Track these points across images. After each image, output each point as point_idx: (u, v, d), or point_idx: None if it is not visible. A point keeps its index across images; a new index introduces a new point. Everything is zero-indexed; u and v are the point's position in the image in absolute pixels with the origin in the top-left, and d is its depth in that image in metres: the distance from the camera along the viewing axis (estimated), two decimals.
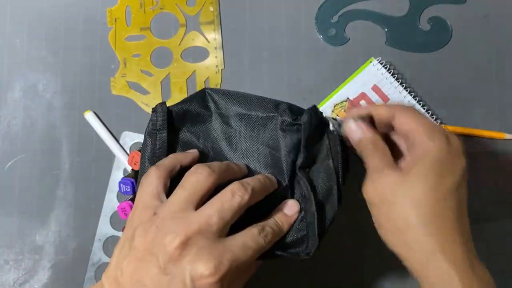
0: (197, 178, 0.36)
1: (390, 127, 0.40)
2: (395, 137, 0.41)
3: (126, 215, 0.42)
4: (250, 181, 0.38)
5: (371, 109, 0.40)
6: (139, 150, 0.42)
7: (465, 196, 0.37)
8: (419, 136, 0.37)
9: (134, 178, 0.42)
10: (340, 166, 0.41)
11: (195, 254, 0.33)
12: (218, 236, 0.34)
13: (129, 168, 0.54)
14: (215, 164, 0.38)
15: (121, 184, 0.42)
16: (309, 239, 0.39)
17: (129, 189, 0.42)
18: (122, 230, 0.42)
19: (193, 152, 0.41)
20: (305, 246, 0.40)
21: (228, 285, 0.34)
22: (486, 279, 0.35)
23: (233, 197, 0.36)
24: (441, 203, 0.35)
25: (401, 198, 0.35)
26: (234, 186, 0.36)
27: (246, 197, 0.36)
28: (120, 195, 0.55)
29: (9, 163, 0.55)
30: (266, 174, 0.41)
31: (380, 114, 0.39)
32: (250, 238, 0.35)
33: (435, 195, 0.35)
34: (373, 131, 0.39)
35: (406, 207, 0.35)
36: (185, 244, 0.33)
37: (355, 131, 0.39)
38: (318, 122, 0.42)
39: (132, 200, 0.42)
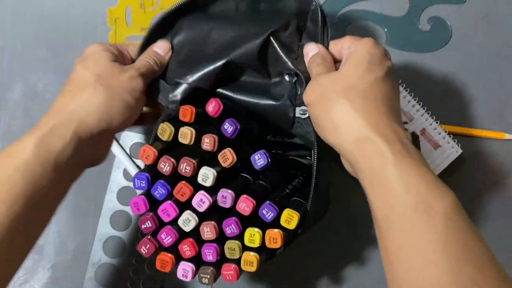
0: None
1: None
2: None
3: (138, 210, 0.41)
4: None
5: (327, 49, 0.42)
6: (150, 144, 0.42)
7: (395, 89, 0.39)
8: (349, 44, 0.40)
9: (148, 173, 0.42)
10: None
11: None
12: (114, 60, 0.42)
13: (130, 169, 0.54)
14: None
15: (136, 179, 0.42)
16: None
17: (144, 184, 0.41)
18: (140, 226, 0.42)
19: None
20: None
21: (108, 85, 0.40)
22: (416, 152, 0.35)
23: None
24: (371, 87, 0.36)
25: (336, 91, 0.37)
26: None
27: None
28: (120, 195, 0.55)
29: None
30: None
31: (334, 51, 0.42)
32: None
33: (364, 81, 0.37)
34: (327, 50, 0.42)
35: (340, 97, 0.36)
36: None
37: (313, 49, 0.42)
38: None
39: (145, 195, 0.42)
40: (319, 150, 0.41)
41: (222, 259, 0.41)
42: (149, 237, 0.41)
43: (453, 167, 0.54)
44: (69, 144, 0.37)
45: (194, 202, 0.40)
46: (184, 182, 0.40)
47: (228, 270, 0.40)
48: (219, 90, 0.45)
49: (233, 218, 0.39)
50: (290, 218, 0.39)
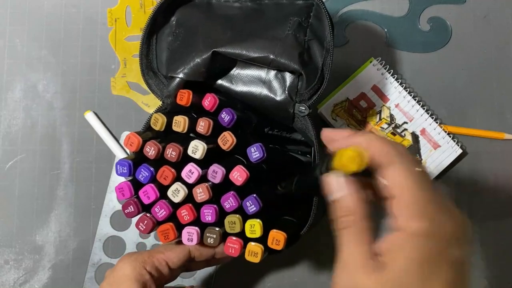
0: None
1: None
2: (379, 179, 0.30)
3: (123, 195, 0.41)
4: None
5: (363, 141, 0.29)
6: (136, 132, 0.42)
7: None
8: (400, 209, 0.28)
9: (132, 160, 0.42)
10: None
11: None
12: None
13: None
14: None
15: (118, 166, 0.41)
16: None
17: (125, 171, 0.41)
18: (122, 208, 0.41)
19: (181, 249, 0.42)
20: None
21: None
22: None
23: None
24: None
25: None
26: None
27: None
28: None
29: (9, 163, 0.55)
30: None
31: (373, 152, 0.28)
32: None
33: None
34: (358, 199, 0.29)
35: None
36: None
37: (335, 191, 0.29)
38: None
39: (132, 181, 0.41)
40: (320, 147, 0.41)
41: (226, 233, 0.40)
42: (146, 214, 0.41)
43: (453, 167, 0.54)
44: None
45: (183, 174, 0.39)
46: (167, 166, 0.40)
47: (233, 243, 0.39)
48: (217, 82, 0.45)
49: (231, 192, 0.39)
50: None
